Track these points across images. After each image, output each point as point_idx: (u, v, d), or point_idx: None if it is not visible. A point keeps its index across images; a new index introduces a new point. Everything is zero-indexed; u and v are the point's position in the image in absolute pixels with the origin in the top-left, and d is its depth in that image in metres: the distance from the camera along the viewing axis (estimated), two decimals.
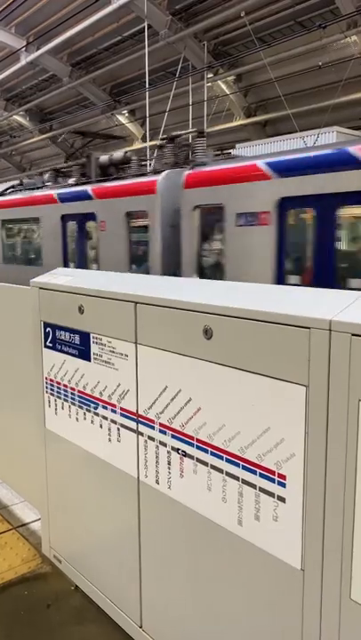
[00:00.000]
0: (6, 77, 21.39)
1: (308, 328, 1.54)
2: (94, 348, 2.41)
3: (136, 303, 2.15)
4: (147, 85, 15.55)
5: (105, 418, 2.40)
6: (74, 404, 2.61)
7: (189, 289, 2.09)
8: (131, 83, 20.31)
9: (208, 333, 1.84)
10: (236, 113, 19.17)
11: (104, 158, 10.29)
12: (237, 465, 1.80)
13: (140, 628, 2.35)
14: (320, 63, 14.28)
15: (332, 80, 15.52)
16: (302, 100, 16.55)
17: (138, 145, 22.73)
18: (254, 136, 18.53)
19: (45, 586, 2.79)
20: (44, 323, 2.77)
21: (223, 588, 1.91)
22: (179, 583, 2.11)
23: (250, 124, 19.13)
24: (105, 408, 2.39)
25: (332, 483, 1.53)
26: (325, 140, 8.67)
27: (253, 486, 1.75)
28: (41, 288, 2.77)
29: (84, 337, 2.47)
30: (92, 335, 2.42)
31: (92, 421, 2.49)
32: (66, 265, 10.36)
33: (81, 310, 2.47)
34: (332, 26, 12.84)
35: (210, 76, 17.39)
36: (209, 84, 17.41)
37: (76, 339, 2.52)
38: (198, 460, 1.95)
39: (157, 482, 2.15)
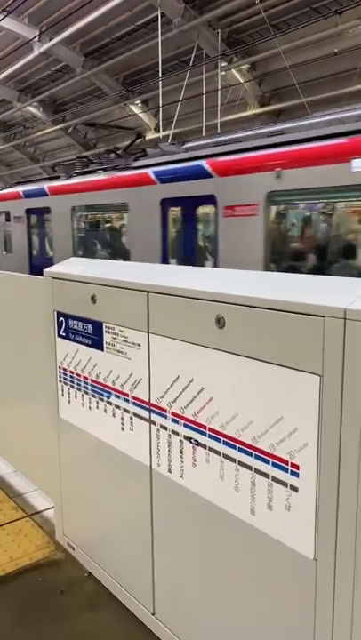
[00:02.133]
0: (20, 68, 21.37)
1: (323, 317, 1.52)
2: (107, 338, 2.42)
3: (148, 292, 2.15)
4: (160, 75, 15.44)
5: (118, 407, 2.41)
6: (87, 394, 2.62)
7: (202, 278, 2.08)
8: (144, 72, 20.18)
9: (221, 322, 1.83)
10: (250, 102, 18.98)
11: None
12: (250, 454, 1.79)
13: (153, 615, 2.36)
14: (336, 50, 14.07)
15: (348, 68, 15.28)
16: (317, 89, 16.32)
17: (151, 135, 22.63)
18: (268, 125, 18.32)
19: (59, 572, 2.82)
20: (58, 312, 2.77)
21: (235, 576, 1.92)
22: (191, 571, 2.12)
23: (264, 114, 18.92)
24: (118, 397, 2.40)
25: (345, 472, 1.51)
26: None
27: (266, 476, 1.75)
28: (54, 278, 2.78)
29: (97, 326, 2.47)
30: (104, 324, 2.43)
31: (104, 410, 2.50)
32: None
33: (94, 300, 2.47)
34: (348, 11, 12.62)
35: (223, 64, 17.20)
36: (223, 72, 17.23)
37: (89, 328, 2.53)
38: (211, 450, 1.94)
39: (170, 470, 2.15)
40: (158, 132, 20.18)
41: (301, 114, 16.37)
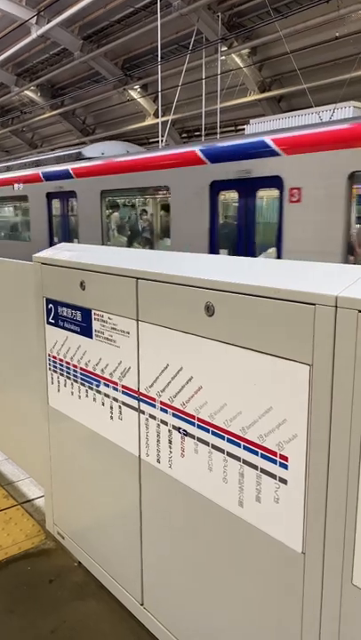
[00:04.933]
0: (17, 51, 21.05)
1: (313, 304, 1.47)
2: (96, 325, 2.36)
3: (137, 279, 2.09)
4: (159, 59, 15.21)
5: (107, 396, 2.36)
6: (76, 382, 2.57)
7: (192, 264, 2.02)
8: (143, 57, 19.90)
9: (210, 310, 1.78)
10: (250, 88, 18.74)
11: None
12: (238, 445, 1.75)
13: (142, 605, 2.34)
14: (337, 34, 13.86)
15: (350, 53, 15.05)
16: (318, 74, 16.10)
17: (150, 121, 22.39)
18: (269, 111, 18.13)
19: (48, 561, 2.79)
20: (47, 299, 2.72)
21: (223, 568, 1.88)
22: (179, 562, 2.09)
23: (264, 100, 18.70)
24: (107, 386, 2.35)
25: (335, 465, 1.47)
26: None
27: (255, 467, 1.71)
28: (43, 264, 2.72)
29: (86, 313, 2.42)
30: (93, 312, 2.37)
31: (94, 399, 2.46)
32: None
33: (82, 286, 2.41)
34: None
35: (224, 49, 16.95)
36: (223, 57, 16.97)
37: (78, 315, 2.47)
38: (199, 440, 1.90)
39: (158, 461, 2.11)
40: (157, 117, 19.93)
41: (302, 100, 16.18)
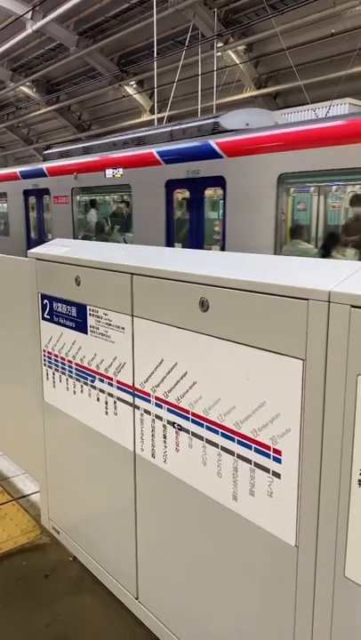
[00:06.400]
0: (12, 47, 20.92)
1: (307, 300, 1.48)
2: (91, 321, 2.37)
3: (132, 274, 2.10)
4: (155, 55, 15.16)
5: (102, 391, 2.37)
6: (71, 377, 2.57)
7: (187, 260, 2.03)
8: (139, 52, 19.83)
9: (204, 305, 1.79)
10: (246, 84, 18.71)
11: None
12: (232, 439, 1.76)
13: (137, 599, 2.35)
14: (333, 31, 13.85)
15: (346, 50, 15.05)
16: (314, 71, 16.09)
17: (146, 117, 22.33)
18: (265, 108, 18.09)
19: (44, 556, 2.80)
20: (42, 294, 2.72)
21: (218, 562, 1.90)
22: (174, 556, 2.10)
23: (260, 96, 18.68)
24: (102, 381, 2.36)
25: (328, 459, 1.48)
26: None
27: (248, 461, 1.72)
28: (38, 259, 2.71)
29: (81, 309, 2.42)
30: (88, 307, 2.38)
31: (89, 394, 2.46)
32: None
33: (77, 282, 2.42)
34: None
35: (220, 45, 16.91)
36: (219, 53, 16.93)
37: (73, 311, 2.48)
38: (194, 435, 1.91)
39: (153, 455, 2.12)
40: (153, 113, 19.88)
41: (298, 97, 16.17)
